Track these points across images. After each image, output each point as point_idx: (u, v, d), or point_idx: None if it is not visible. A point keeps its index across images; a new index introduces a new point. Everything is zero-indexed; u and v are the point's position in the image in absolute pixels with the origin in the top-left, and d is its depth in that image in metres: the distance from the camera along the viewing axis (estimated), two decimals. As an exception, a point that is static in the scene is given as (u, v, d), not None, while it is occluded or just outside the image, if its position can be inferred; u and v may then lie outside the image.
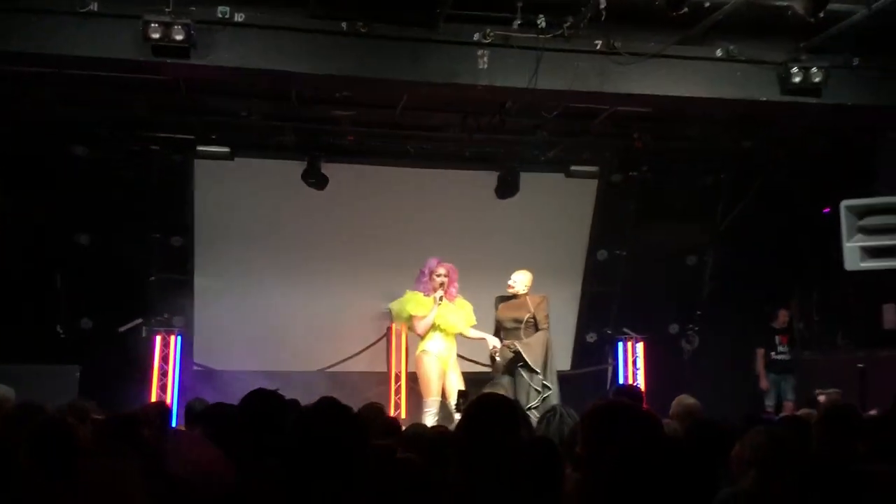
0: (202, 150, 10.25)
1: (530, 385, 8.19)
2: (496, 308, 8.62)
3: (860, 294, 10.05)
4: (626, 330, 11.53)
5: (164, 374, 10.14)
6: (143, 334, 10.30)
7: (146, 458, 3.29)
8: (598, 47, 7.41)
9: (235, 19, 6.93)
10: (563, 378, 8.87)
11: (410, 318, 8.55)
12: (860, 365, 9.75)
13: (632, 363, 11.35)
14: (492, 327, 8.72)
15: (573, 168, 11.13)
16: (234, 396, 4.74)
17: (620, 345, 11.50)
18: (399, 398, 10.57)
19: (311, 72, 7.38)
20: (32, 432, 3.19)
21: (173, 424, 6.42)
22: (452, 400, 8.30)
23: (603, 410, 2.53)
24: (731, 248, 11.56)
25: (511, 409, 3.11)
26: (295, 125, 9.88)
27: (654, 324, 11.60)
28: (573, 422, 4.19)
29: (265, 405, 3.16)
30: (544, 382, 8.22)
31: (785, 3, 6.79)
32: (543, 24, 7.17)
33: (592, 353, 11.73)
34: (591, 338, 11.77)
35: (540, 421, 4.63)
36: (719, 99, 7.92)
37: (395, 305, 8.82)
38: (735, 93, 7.81)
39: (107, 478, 3.06)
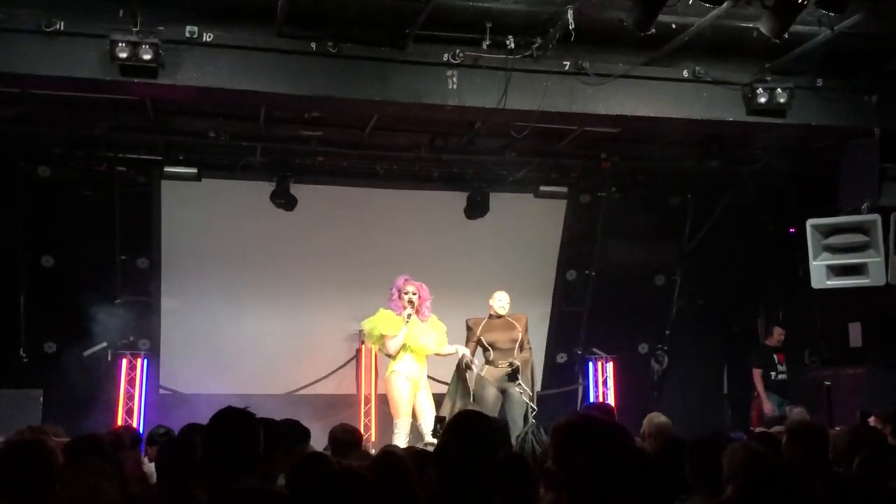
0: (169, 171, 10.15)
1: (526, 403, 8.19)
2: (475, 330, 8.56)
3: (827, 312, 10.16)
4: (595, 350, 11.56)
5: (129, 398, 9.99)
6: (109, 358, 10.16)
7: (119, 480, 3.23)
8: (567, 68, 7.46)
9: (204, 39, 6.89)
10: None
11: (381, 337, 8.49)
12: (827, 382, 9.85)
13: (602, 383, 11.38)
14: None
15: (542, 188, 11.17)
16: (202, 420, 4.68)
17: (590, 364, 11.54)
18: (369, 420, 10.49)
19: (279, 91, 7.35)
20: (7, 452, 3.12)
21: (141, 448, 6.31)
22: (422, 421, 8.27)
23: (573, 424, 2.52)
24: (698, 267, 11.66)
25: (490, 427, 3.10)
26: (263, 145, 9.82)
27: (623, 343, 11.66)
28: (546, 441, 4.18)
29: (235, 423, 3.10)
30: (531, 404, 8.25)
31: (750, 25, 6.87)
32: (512, 45, 7.21)
33: (562, 373, 11.74)
34: (561, 358, 11.77)
35: (517, 442, 4.63)
36: (686, 119, 8.00)
37: (366, 324, 8.74)
38: (701, 113, 7.89)
39: (82, 498, 2.99)
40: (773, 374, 10.29)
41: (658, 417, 5.71)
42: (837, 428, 6.14)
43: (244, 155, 10.01)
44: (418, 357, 8.43)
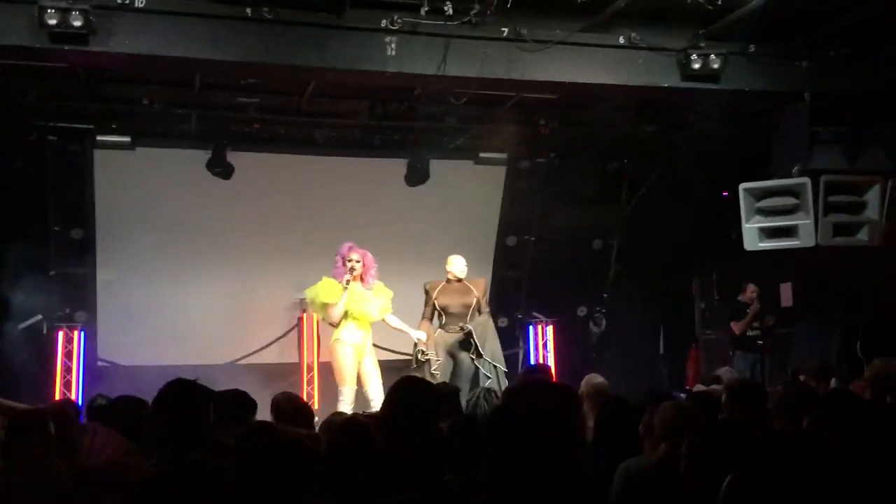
0: (102, 140, 9.95)
1: (478, 369, 8.26)
2: (432, 293, 8.59)
3: (759, 274, 10.41)
4: (535, 314, 11.71)
5: (67, 370, 9.85)
6: (45, 331, 9.98)
7: (61, 453, 3.20)
8: (505, 34, 7.46)
9: (136, 5, 6.72)
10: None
11: (325, 306, 8.48)
12: (759, 342, 10.13)
13: (542, 346, 11.54)
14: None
15: (482, 155, 11.21)
16: (141, 392, 4.65)
17: (531, 328, 11.68)
18: (311, 388, 10.50)
19: (214, 58, 7.22)
20: None
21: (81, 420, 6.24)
22: (368, 388, 8.31)
23: (523, 387, 2.59)
24: (635, 231, 11.84)
25: (431, 392, 3.14)
26: (198, 113, 9.67)
27: (562, 307, 11.82)
28: (496, 402, 4.25)
29: (186, 395, 3.10)
30: (494, 364, 8.31)
31: (685, -9, 6.96)
32: (451, 12, 7.17)
33: (504, 337, 11.80)
34: (502, 322, 11.87)
35: (468, 405, 4.69)
36: (622, 85, 8.06)
37: (309, 292, 8.72)
38: (637, 79, 7.97)
39: (29, 474, 2.96)
40: (746, 331, 10.29)
41: (595, 378, 5.83)
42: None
43: (179, 123, 9.84)
44: (362, 324, 8.45)
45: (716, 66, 7.81)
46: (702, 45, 7.81)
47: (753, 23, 7.55)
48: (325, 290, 8.45)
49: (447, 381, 7.72)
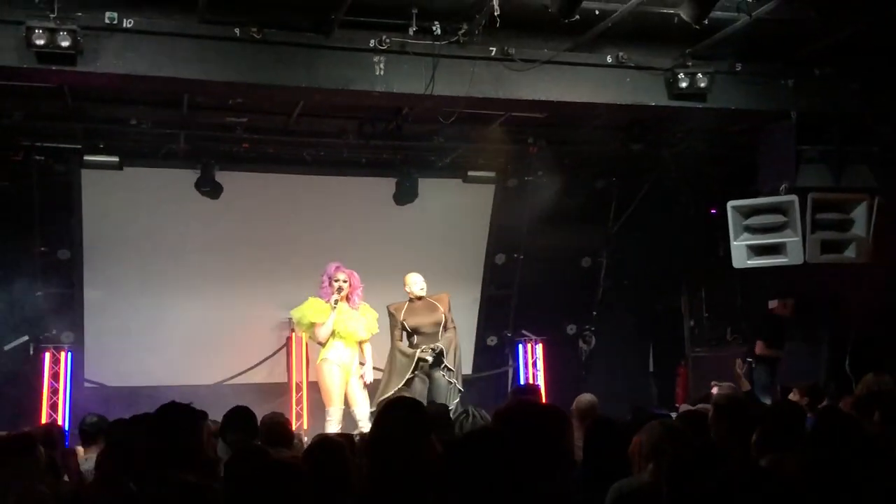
0: (89, 160, 9.93)
1: (450, 385, 8.24)
2: (398, 315, 8.57)
3: (747, 291, 10.43)
4: (524, 332, 11.70)
5: (54, 392, 9.77)
6: (31, 352, 9.91)
7: (52, 479, 3.17)
8: (493, 54, 7.49)
9: (124, 25, 6.71)
10: (465, 381, 8.95)
11: (312, 325, 8.46)
12: (749, 359, 10.13)
13: (532, 364, 11.52)
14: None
15: (470, 173, 11.24)
16: (129, 413, 4.61)
17: (520, 346, 11.67)
18: (301, 408, 10.46)
19: (202, 78, 7.20)
20: None
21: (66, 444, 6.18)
22: (355, 408, 8.29)
23: (514, 409, 2.57)
24: (623, 248, 11.87)
25: (422, 413, 3.13)
26: (187, 133, 9.66)
27: (551, 325, 11.82)
28: (485, 423, 4.23)
29: (180, 418, 3.08)
30: (457, 385, 8.31)
31: (672, 11, 6.99)
32: (439, 31, 7.20)
33: (493, 355, 11.86)
34: (491, 341, 11.89)
35: (455, 422, 4.67)
36: (610, 104, 8.09)
37: (295, 313, 8.71)
38: (625, 98, 8.00)
39: (17, 498, 2.93)
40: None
41: (584, 397, 5.83)
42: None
43: (167, 143, 9.83)
44: (349, 343, 8.44)
45: (703, 84, 7.85)
46: (689, 64, 7.85)
47: (739, 42, 7.60)
48: (311, 309, 8.44)
49: (423, 401, 7.71)
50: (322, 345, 8.47)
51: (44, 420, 9.27)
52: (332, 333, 8.36)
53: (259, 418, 5.07)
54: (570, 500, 2.73)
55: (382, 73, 7.31)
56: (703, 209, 10.88)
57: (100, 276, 10.34)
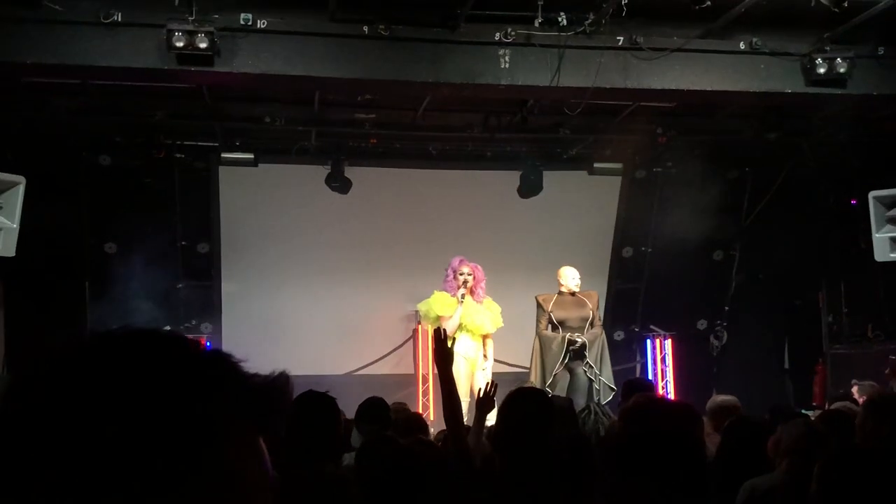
0: (226, 157, 10.31)
1: (590, 381, 8.18)
2: (546, 306, 8.53)
3: (890, 285, 9.94)
4: (653, 327, 11.48)
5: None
6: (172, 341, 10.33)
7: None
8: (621, 43, 7.38)
9: (258, 26, 6.95)
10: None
11: (438, 318, 8.55)
12: (892, 356, 9.64)
13: (660, 360, 11.30)
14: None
15: (596, 165, 11.10)
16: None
17: (648, 342, 11.46)
18: (427, 399, 10.57)
19: (333, 75, 7.39)
20: None
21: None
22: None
23: (642, 407, 2.52)
24: (757, 241, 11.50)
25: (547, 404, 3.11)
26: (318, 129, 9.92)
27: (681, 320, 11.55)
28: (608, 420, 4.18)
29: (318, 407, 3.15)
30: (608, 384, 8.23)
31: (808, -6, 6.74)
32: (564, 22, 7.15)
33: (620, 350, 11.67)
34: (618, 336, 11.71)
35: (579, 418, 4.64)
36: (743, 92, 7.87)
37: (422, 306, 8.82)
38: (759, 85, 7.76)
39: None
40: None
41: (722, 396, 5.68)
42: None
43: (299, 139, 10.12)
44: (475, 336, 8.48)
45: (842, 70, 7.53)
46: (827, 48, 7.54)
47: (881, 25, 7.25)
48: (438, 303, 8.53)
49: (563, 394, 7.66)
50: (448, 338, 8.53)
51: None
52: (460, 326, 8.42)
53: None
54: (705, 500, 2.66)
55: (508, 65, 7.32)
56: (843, 200, 10.41)
57: (236, 269, 10.73)
